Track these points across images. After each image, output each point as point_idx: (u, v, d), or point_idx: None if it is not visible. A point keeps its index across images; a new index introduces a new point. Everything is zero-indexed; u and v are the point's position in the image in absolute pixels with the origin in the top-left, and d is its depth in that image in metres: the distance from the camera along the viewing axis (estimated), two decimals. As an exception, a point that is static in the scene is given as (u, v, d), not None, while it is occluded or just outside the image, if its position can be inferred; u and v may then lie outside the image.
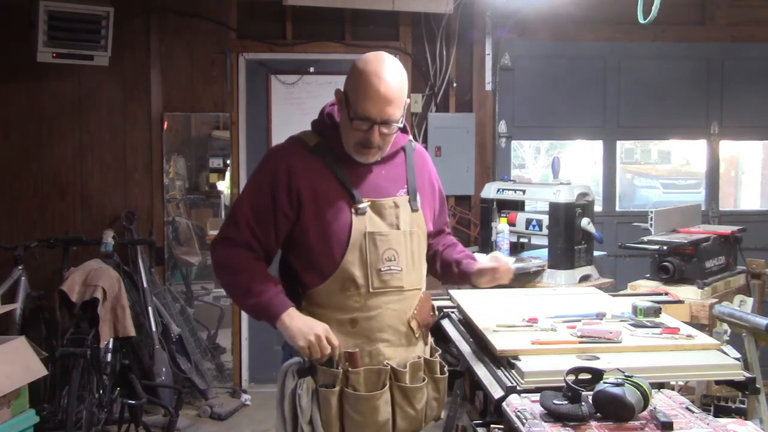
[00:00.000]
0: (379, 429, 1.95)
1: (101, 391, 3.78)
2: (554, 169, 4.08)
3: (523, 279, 3.77)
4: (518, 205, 4.16)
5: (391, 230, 1.98)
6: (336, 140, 2.01)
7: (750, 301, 3.34)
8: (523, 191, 3.99)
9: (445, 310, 2.54)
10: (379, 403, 1.94)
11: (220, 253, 2.00)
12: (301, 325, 1.90)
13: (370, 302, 1.96)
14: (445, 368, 2.14)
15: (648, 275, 3.50)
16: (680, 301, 2.93)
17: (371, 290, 1.95)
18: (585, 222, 3.76)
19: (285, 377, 2.01)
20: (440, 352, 2.18)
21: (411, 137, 2.15)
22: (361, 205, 1.96)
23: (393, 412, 1.97)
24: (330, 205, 1.95)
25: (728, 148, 5.76)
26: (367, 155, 1.97)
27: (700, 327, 2.90)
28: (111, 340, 3.91)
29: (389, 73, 1.92)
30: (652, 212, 3.59)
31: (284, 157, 2.01)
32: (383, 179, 2.02)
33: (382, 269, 1.96)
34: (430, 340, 2.18)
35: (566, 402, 1.56)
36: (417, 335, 2.05)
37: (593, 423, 1.54)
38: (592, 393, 1.57)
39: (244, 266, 1.96)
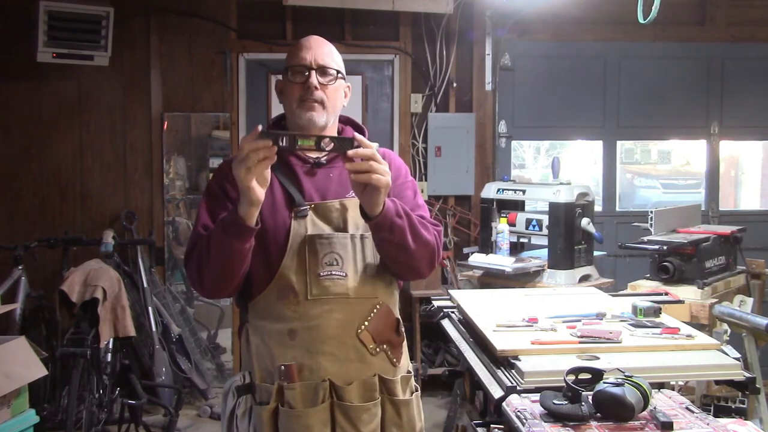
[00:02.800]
0: None
1: (101, 391, 3.78)
2: (554, 169, 4.09)
3: (523, 279, 3.78)
4: (518, 205, 4.17)
5: (335, 233, 1.82)
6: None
7: (750, 301, 3.35)
8: (523, 191, 3.99)
9: (445, 310, 2.54)
10: (313, 422, 1.75)
11: (191, 261, 1.83)
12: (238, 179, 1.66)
13: (309, 311, 1.78)
14: (416, 393, 1.93)
15: (648, 275, 3.50)
16: (680, 301, 2.92)
17: (309, 298, 1.78)
18: (585, 222, 3.76)
19: (226, 397, 1.89)
20: (412, 375, 1.96)
21: (374, 143, 1.85)
22: (301, 208, 1.82)
23: None
24: (269, 208, 1.81)
25: (728, 148, 5.76)
26: (311, 110, 1.84)
27: (700, 327, 2.90)
28: (111, 340, 3.91)
29: (320, 38, 1.93)
30: (652, 212, 3.59)
31: (228, 161, 1.89)
32: (331, 182, 1.88)
33: (322, 274, 1.79)
34: (408, 364, 1.96)
35: (566, 402, 1.56)
36: (372, 351, 1.83)
37: (593, 423, 1.54)
38: (592, 393, 1.57)
39: (204, 242, 1.80)
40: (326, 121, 1.88)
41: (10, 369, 2.87)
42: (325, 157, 1.89)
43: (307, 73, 1.85)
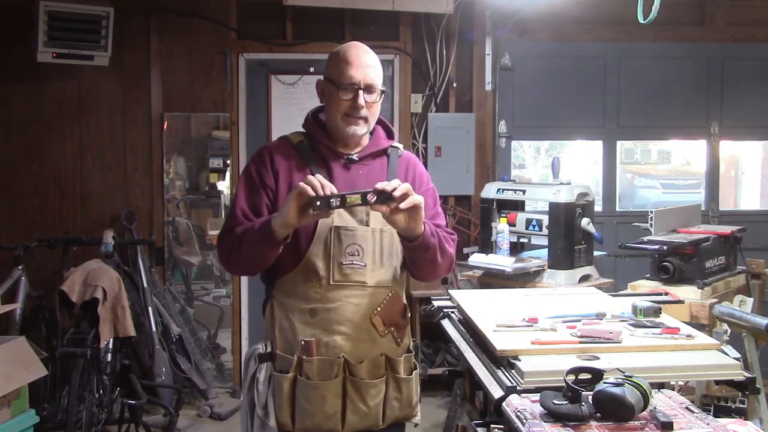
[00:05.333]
0: (327, 419, 1.99)
1: (101, 391, 3.78)
2: (554, 169, 4.09)
3: (523, 279, 3.78)
4: (518, 205, 4.16)
5: (359, 226, 2.01)
6: (318, 139, 2.09)
7: (750, 301, 3.34)
8: (523, 191, 3.99)
9: (445, 310, 2.54)
10: (328, 394, 1.98)
11: (224, 243, 2.03)
12: (285, 202, 1.87)
13: (330, 294, 2.00)
14: (415, 371, 2.13)
15: (648, 275, 3.50)
16: (680, 301, 2.92)
17: (331, 282, 1.99)
18: (585, 222, 3.76)
19: (248, 362, 2.08)
20: (413, 354, 2.17)
21: (399, 144, 2.20)
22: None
23: (344, 405, 2.01)
24: None
25: (728, 148, 5.76)
26: (355, 125, 2.03)
27: (700, 327, 2.90)
28: (111, 340, 3.91)
29: (365, 48, 2.08)
30: (652, 212, 3.59)
31: (268, 148, 2.13)
32: (360, 178, 2.06)
33: (344, 263, 1.99)
34: (409, 342, 2.17)
35: (566, 402, 1.56)
36: (381, 333, 2.05)
37: (593, 423, 1.54)
38: (592, 393, 1.57)
39: (239, 232, 2.00)
40: (366, 132, 2.08)
41: (10, 369, 2.87)
42: (357, 155, 2.08)
43: (355, 92, 2.01)
